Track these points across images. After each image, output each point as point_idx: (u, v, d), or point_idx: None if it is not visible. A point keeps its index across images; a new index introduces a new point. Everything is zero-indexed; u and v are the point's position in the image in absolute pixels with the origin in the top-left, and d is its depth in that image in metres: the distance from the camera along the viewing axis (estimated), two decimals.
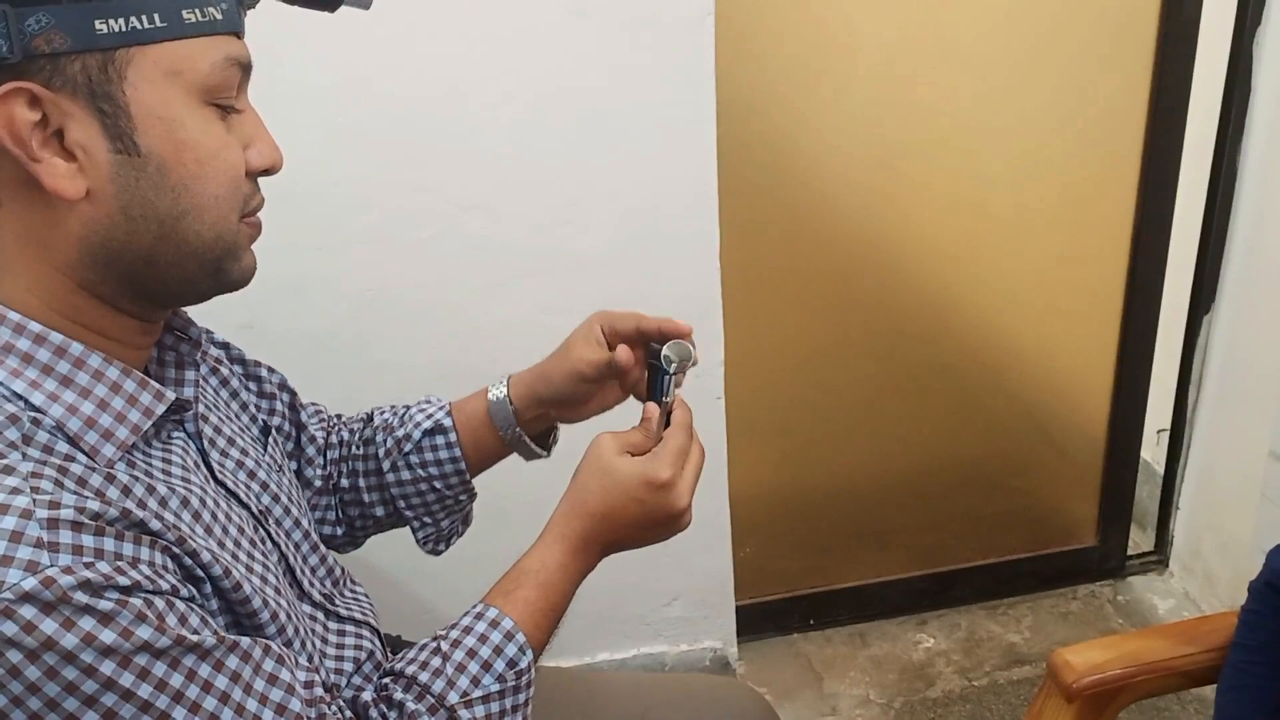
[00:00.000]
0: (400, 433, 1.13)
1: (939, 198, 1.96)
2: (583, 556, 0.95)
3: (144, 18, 0.69)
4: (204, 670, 0.72)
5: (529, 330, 1.73)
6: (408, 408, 1.16)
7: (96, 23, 0.68)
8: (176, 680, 0.70)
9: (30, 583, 0.64)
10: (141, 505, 0.75)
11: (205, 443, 0.89)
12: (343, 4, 0.83)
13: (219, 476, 0.89)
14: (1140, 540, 2.41)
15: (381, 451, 1.13)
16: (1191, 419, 2.21)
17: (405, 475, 1.13)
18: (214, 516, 0.83)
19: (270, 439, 1.04)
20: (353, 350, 1.68)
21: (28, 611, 0.64)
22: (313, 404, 1.16)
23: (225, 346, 1.06)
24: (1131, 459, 2.29)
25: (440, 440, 1.12)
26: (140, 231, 0.74)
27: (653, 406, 0.98)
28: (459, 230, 1.64)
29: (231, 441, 0.94)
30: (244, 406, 1.03)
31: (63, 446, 0.73)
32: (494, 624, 0.89)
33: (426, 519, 1.15)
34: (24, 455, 0.70)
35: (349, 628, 0.99)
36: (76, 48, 0.68)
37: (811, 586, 2.23)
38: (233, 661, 0.74)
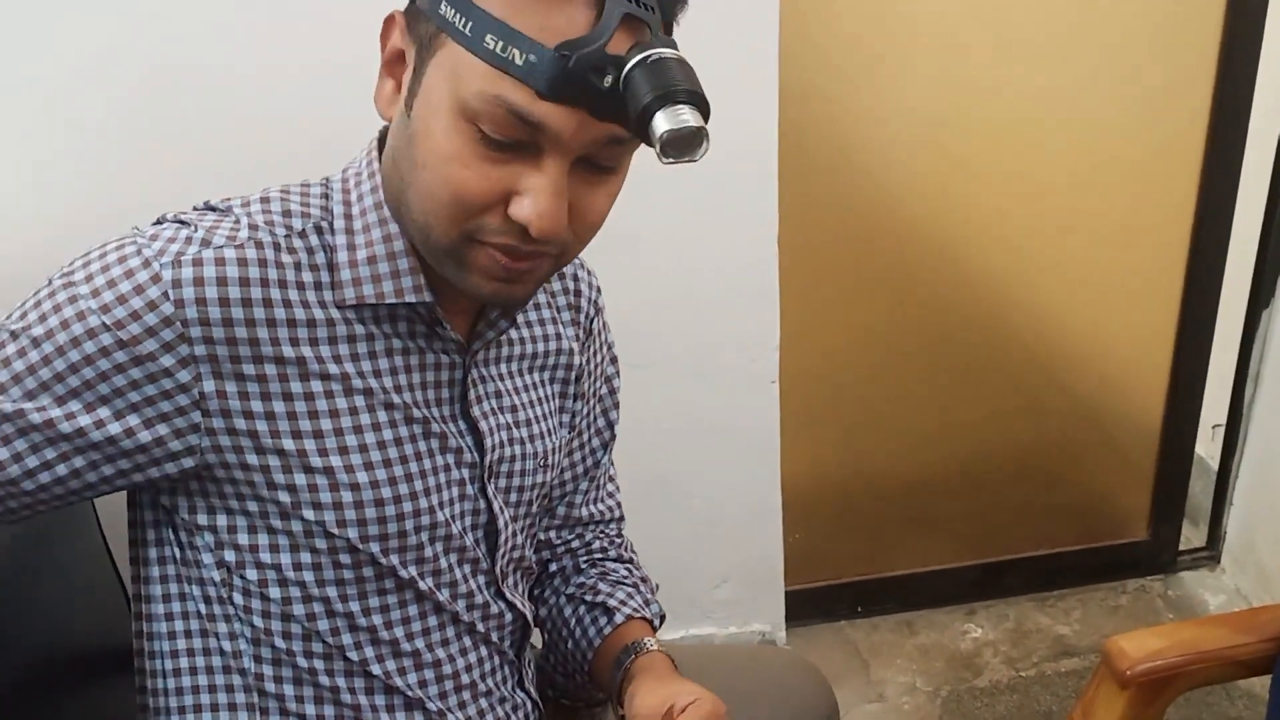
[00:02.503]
0: (600, 585, 1.11)
1: (997, 186, 1.96)
2: None
3: (462, 19, 0.76)
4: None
5: None
6: (642, 582, 1.13)
7: (443, 4, 0.77)
8: None
9: (128, 245, 0.83)
10: (294, 342, 0.85)
11: (470, 375, 0.95)
12: (671, 161, 0.75)
13: (471, 411, 0.95)
14: (1192, 535, 2.39)
15: (580, 579, 1.12)
16: (1248, 414, 2.20)
17: (566, 611, 1.11)
18: (387, 413, 0.89)
19: (575, 422, 1.09)
20: None
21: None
22: (612, 481, 1.17)
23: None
24: (1186, 453, 2.27)
25: (602, 620, 1.08)
26: (394, 179, 0.85)
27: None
28: None
29: (502, 392, 0.99)
30: (554, 379, 1.06)
31: (320, 258, 0.87)
32: None
33: (550, 656, 1.13)
34: (288, 230, 0.86)
35: (506, 611, 1.00)
36: (425, 11, 0.78)
37: (860, 574, 2.23)
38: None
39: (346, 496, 0.87)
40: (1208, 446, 2.35)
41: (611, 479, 1.17)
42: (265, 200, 0.87)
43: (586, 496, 1.14)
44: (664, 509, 1.90)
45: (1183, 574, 2.34)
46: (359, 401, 0.87)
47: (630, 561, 1.16)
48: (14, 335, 0.81)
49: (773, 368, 1.85)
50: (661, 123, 0.72)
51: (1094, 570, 2.32)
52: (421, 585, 0.93)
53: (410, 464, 0.90)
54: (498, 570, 0.99)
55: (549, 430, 1.04)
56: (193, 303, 0.80)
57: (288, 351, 0.84)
